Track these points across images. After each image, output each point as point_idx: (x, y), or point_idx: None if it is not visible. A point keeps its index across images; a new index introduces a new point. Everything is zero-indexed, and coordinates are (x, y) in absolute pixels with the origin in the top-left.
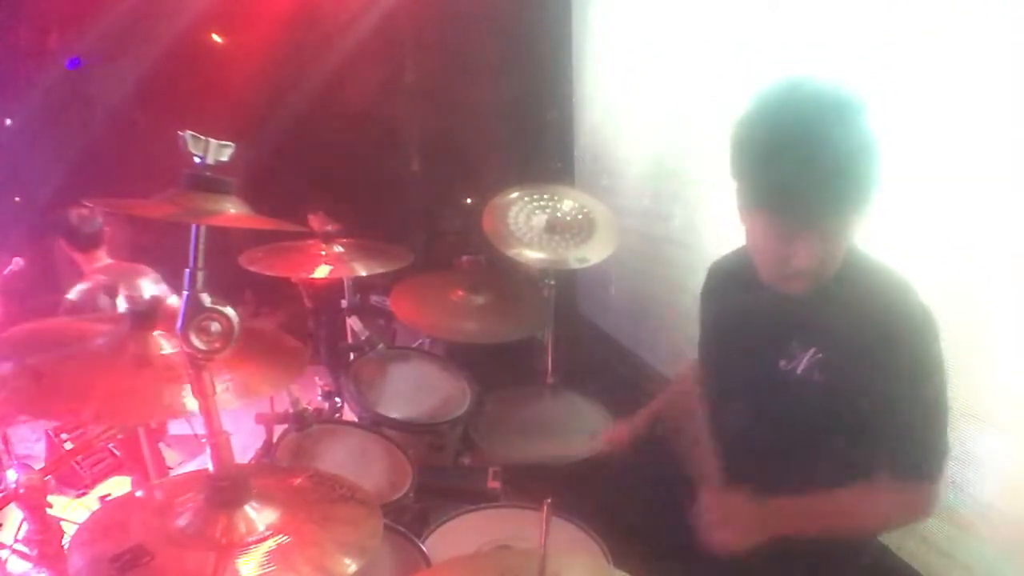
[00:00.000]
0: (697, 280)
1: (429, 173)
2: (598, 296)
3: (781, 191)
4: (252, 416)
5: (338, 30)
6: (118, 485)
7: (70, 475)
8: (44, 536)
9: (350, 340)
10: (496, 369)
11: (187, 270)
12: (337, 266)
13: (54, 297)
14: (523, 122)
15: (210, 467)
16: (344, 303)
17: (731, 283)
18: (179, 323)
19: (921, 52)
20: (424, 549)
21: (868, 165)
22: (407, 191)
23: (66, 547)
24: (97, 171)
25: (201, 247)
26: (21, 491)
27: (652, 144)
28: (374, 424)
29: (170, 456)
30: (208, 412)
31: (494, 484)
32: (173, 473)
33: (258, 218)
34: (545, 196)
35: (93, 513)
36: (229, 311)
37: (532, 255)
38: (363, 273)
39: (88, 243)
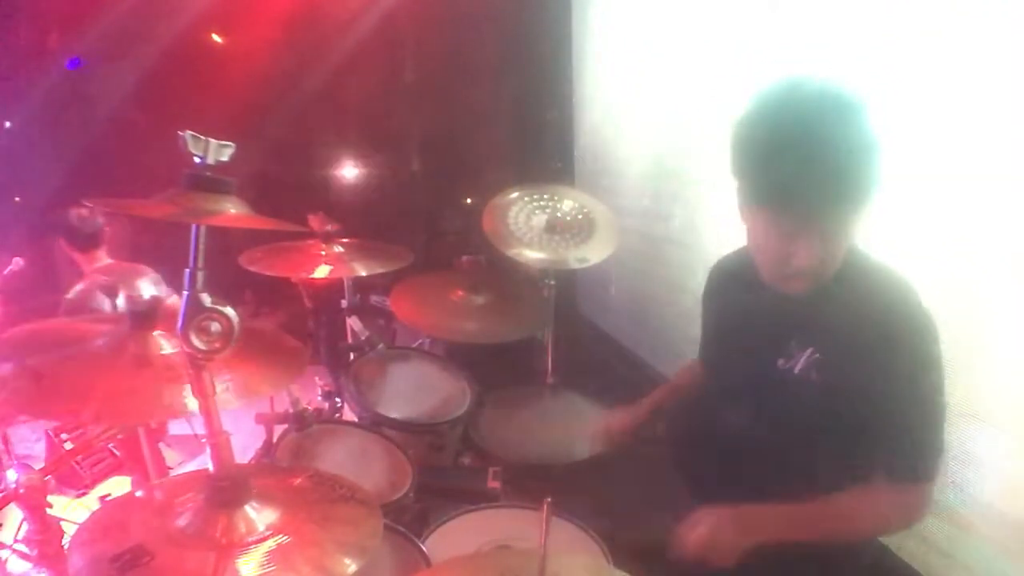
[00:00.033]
0: (697, 280)
1: (429, 173)
2: (598, 296)
3: (781, 190)
4: (252, 416)
5: (338, 30)
6: (118, 485)
7: (70, 475)
8: (44, 536)
9: (350, 340)
10: (496, 369)
11: (187, 270)
12: (337, 266)
13: (54, 297)
14: (523, 122)
15: (210, 467)
16: (344, 303)
17: (732, 283)
18: (179, 323)
19: (921, 52)
20: (424, 549)
21: (868, 165)
22: (407, 191)
23: (66, 547)
24: (97, 171)
25: (201, 247)
26: (21, 491)
27: (652, 144)
28: (374, 424)
29: (170, 456)
30: (208, 412)
31: (494, 484)
32: (173, 473)
33: (258, 218)
34: (545, 196)
35: (93, 513)
36: (229, 311)
37: (532, 255)
38: (363, 273)
39: (88, 243)
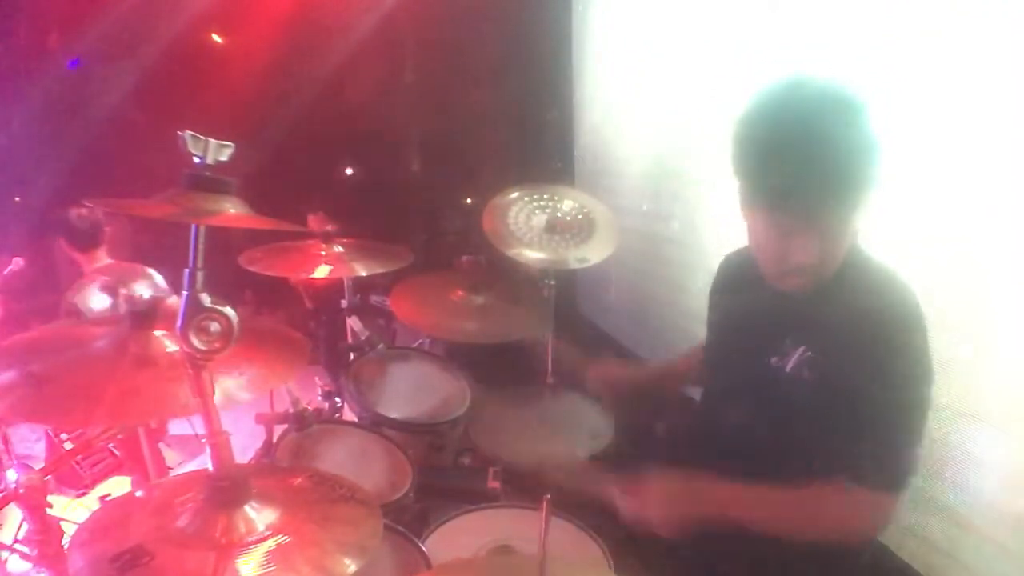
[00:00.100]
0: (697, 280)
1: (429, 173)
2: (598, 296)
3: (781, 189)
4: (252, 416)
5: (338, 30)
6: (118, 485)
7: (70, 475)
8: (44, 536)
9: (350, 340)
10: (496, 369)
11: (187, 270)
12: (337, 266)
13: (54, 297)
14: (523, 122)
15: (210, 467)
16: (344, 303)
17: (736, 280)
18: (179, 323)
19: (921, 52)
20: (424, 549)
21: (868, 164)
22: (407, 191)
23: (66, 547)
24: (97, 171)
25: (201, 247)
26: (21, 491)
27: (652, 144)
28: (374, 424)
29: (170, 456)
30: (208, 412)
31: (494, 484)
32: (173, 473)
33: (258, 218)
34: (545, 196)
35: (93, 513)
36: (229, 311)
37: (532, 255)
38: (363, 273)
39: (88, 243)
